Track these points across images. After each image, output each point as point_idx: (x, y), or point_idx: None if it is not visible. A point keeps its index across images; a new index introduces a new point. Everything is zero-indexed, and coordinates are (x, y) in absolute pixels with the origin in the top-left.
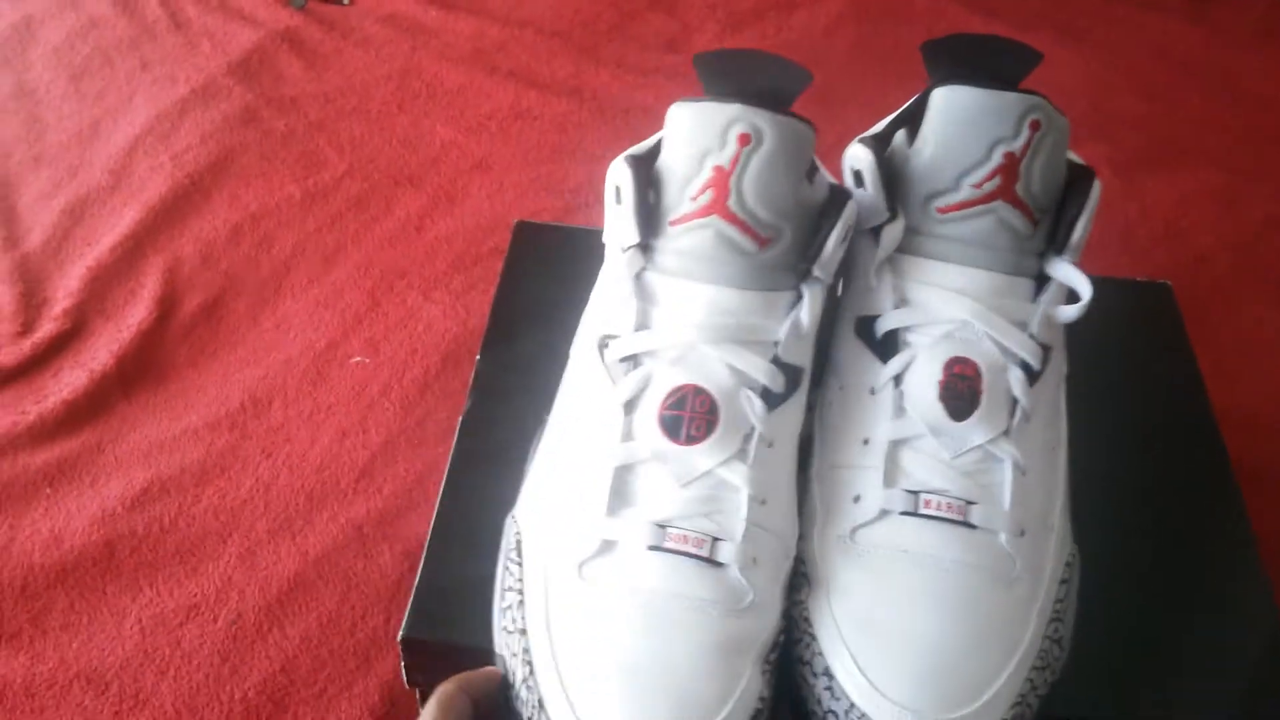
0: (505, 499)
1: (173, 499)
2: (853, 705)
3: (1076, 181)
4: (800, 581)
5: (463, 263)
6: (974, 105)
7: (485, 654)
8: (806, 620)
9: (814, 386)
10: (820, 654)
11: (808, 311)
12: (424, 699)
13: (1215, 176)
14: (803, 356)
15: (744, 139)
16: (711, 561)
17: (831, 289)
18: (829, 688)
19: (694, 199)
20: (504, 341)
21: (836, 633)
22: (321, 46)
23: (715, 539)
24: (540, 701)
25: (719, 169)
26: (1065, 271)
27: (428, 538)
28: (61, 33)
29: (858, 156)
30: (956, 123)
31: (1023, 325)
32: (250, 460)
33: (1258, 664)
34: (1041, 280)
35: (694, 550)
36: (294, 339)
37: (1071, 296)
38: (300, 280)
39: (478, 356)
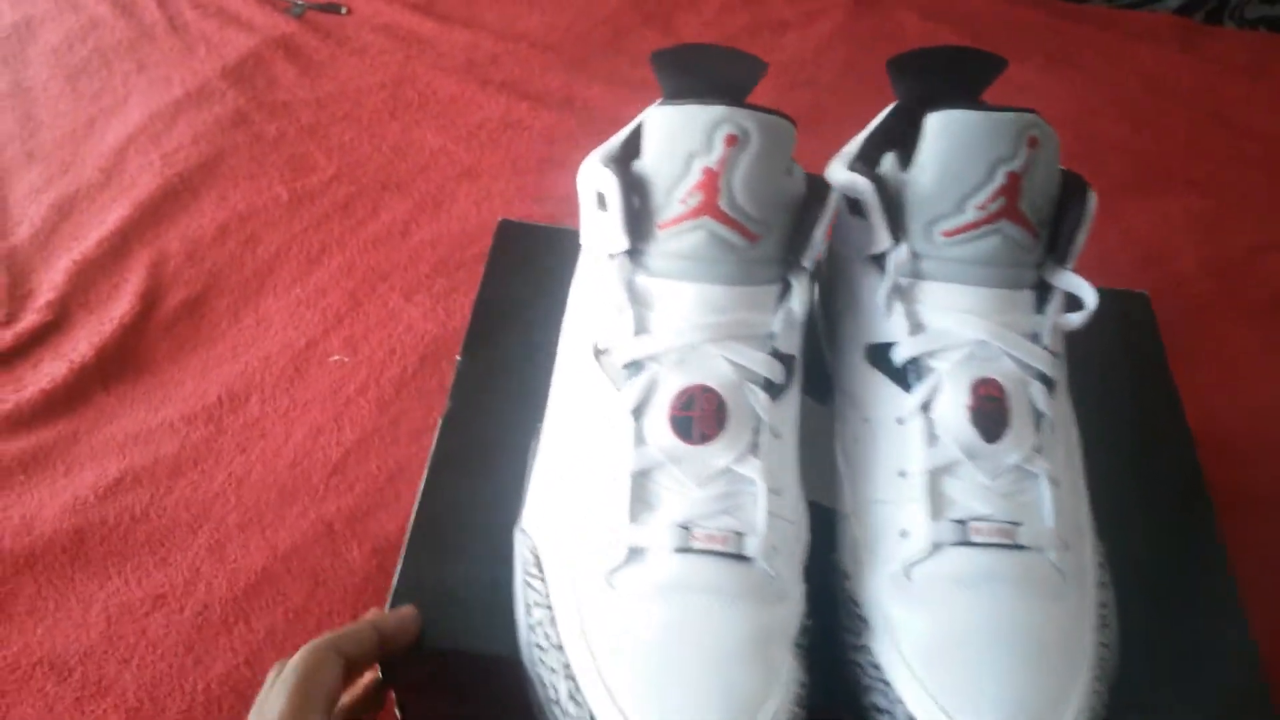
0: (487, 501)
1: (145, 490)
2: None
3: (1071, 190)
4: (858, 625)
5: (445, 266)
6: (972, 127)
7: (465, 658)
8: (876, 667)
9: (832, 405)
10: (900, 701)
11: (798, 301)
12: (400, 704)
13: (1199, 203)
14: (795, 345)
15: (731, 140)
16: (738, 557)
17: (839, 319)
18: None
19: (683, 201)
20: (486, 342)
21: (911, 676)
22: (316, 53)
23: (740, 534)
24: (592, 715)
25: (708, 170)
26: (1071, 281)
27: (406, 538)
28: (61, 33)
29: (856, 185)
30: (956, 146)
31: (1035, 338)
32: (224, 454)
33: (1224, 670)
34: (1041, 289)
35: (720, 548)
36: (274, 336)
37: (1071, 304)
38: (283, 280)
39: (458, 357)
